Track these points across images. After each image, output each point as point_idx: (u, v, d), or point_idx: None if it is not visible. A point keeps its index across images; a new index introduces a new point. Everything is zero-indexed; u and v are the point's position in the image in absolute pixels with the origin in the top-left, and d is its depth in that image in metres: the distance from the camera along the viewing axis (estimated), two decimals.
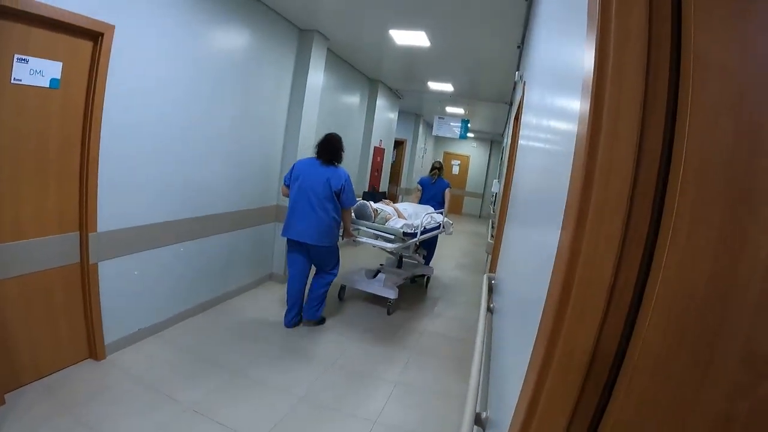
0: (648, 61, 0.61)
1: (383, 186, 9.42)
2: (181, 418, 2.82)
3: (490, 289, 3.11)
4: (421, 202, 6.65)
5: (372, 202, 5.13)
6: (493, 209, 8.80)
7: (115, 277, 3.36)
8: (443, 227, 5.85)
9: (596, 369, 0.68)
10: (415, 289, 6.39)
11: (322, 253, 4.30)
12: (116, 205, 3.27)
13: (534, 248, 1.18)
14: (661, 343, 0.62)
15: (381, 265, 6.02)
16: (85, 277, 3.14)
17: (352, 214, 4.57)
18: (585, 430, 0.69)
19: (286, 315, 4.40)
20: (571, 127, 0.86)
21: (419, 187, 6.98)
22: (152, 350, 3.58)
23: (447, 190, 6.77)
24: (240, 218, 4.85)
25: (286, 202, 4.42)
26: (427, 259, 6.79)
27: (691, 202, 0.59)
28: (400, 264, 6.05)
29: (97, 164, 3.06)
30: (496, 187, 8.79)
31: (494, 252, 4.17)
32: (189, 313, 4.25)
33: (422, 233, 4.96)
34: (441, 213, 6.08)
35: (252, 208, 5.05)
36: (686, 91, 0.59)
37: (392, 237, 4.73)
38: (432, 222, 5.40)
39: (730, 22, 0.58)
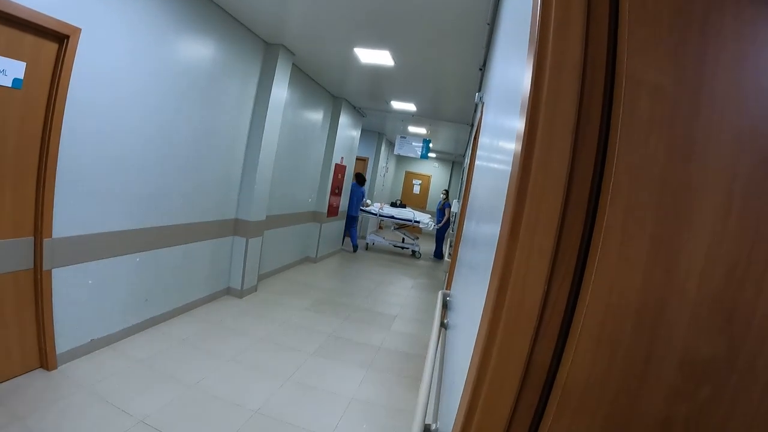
0: (583, 83, 0.64)
1: (343, 205, 9.55)
2: None
3: (445, 305, 3.14)
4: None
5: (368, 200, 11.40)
6: (453, 229, 8.95)
7: (69, 286, 3.22)
8: (420, 224, 10.67)
9: (532, 379, 0.70)
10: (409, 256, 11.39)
11: (356, 219, 10.27)
12: (73, 212, 3.15)
13: (479, 263, 1.20)
14: (594, 352, 0.64)
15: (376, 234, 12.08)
16: (38, 285, 3.00)
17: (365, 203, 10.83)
18: None
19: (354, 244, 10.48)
20: (512, 147, 0.89)
21: (434, 212, 11.64)
22: (105, 361, 3.43)
23: (447, 209, 10.53)
24: (198, 230, 4.72)
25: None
26: (436, 251, 11.11)
27: (623, 215, 0.61)
28: (403, 240, 11.27)
29: (56, 168, 2.94)
30: (455, 207, 8.93)
31: (450, 269, 4.22)
32: (143, 325, 4.10)
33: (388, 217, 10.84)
34: (431, 218, 11.12)
35: (210, 220, 4.93)
36: (618, 110, 0.62)
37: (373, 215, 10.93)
38: (413, 216, 10.80)
39: (663, 43, 0.61)
